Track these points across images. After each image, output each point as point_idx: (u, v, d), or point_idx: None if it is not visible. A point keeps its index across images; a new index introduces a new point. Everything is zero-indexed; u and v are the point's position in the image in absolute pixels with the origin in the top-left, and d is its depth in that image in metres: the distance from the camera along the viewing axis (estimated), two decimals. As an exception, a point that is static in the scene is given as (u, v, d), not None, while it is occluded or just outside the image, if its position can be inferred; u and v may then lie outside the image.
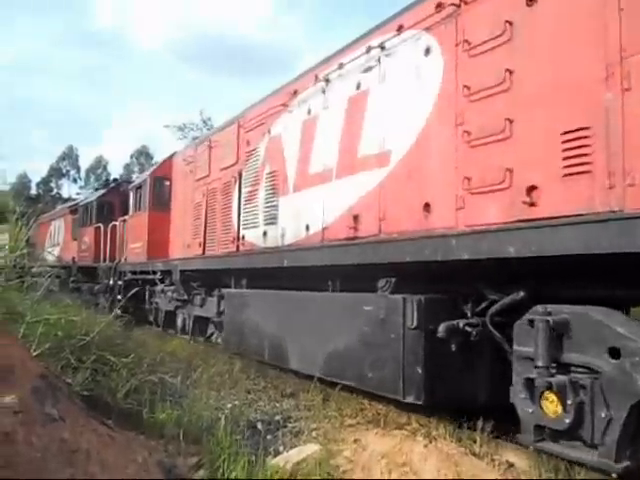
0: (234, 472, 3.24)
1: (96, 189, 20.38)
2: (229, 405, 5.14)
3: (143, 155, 62.15)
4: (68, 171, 73.79)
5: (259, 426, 4.62)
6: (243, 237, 7.85)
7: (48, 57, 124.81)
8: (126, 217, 13.48)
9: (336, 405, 5.22)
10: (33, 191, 65.29)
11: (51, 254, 19.61)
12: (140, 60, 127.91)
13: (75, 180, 73.23)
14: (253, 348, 6.98)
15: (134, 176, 19.23)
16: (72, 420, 2.94)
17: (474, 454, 3.81)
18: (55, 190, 68.92)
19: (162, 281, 10.80)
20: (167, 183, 11.63)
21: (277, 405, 5.44)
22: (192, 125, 36.17)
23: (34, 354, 3.58)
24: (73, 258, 17.81)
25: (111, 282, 13.52)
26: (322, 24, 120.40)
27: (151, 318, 11.82)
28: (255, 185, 7.69)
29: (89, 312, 7.30)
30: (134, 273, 12.34)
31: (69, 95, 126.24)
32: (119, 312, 11.47)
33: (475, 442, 4.02)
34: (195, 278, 9.40)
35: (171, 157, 11.95)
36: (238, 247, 7.98)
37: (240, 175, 8.15)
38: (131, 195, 13.14)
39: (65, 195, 56.73)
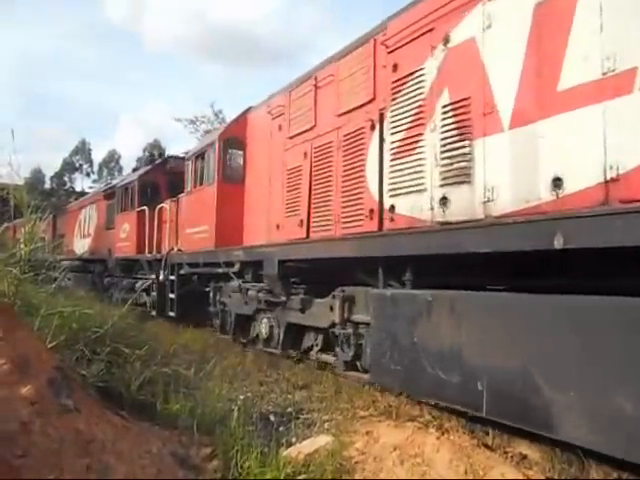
0: (247, 462, 3.26)
1: (134, 170, 16.90)
2: (242, 397, 5.16)
3: (155, 148, 62.41)
4: (81, 165, 74.36)
5: (272, 418, 4.65)
6: (392, 208, 5.29)
7: (59, 52, 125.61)
8: (180, 196, 10.93)
9: (348, 397, 5.24)
10: (47, 185, 65.83)
11: (66, 246, 18.43)
12: (151, 54, 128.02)
13: (88, 174, 73.76)
14: (448, 389, 4.30)
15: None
16: (87, 411, 2.97)
17: (486, 446, 3.82)
18: (69, 184, 69.49)
19: (240, 275, 8.18)
20: (239, 150, 9.16)
21: (289, 397, 5.46)
22: (204, 118, 36.17)
23: (49, 346, 3.62)
24: (109, 250, 15.15)
25: (161, 277, 10.97)
26: (335, 16, 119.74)
27: (216, 323, 9.39)
28: (415, 128, 5.11)
29: (103, 305, 7.38)
30: (193, 265, 9.74)
31: (81, 89, 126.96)
32: (172, 314, 10.29)
33: (488, 434, 4.03)
34: (297, 272, 6.94)
35: (245, 113, 9.30)
36: (381, 224, 5.52)
37: (382, 117, 5.65)
38: (189, 167, 10.36)
39: (78, 189, 57.25)
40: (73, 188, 62.87)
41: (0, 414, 2.43)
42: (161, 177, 13.64)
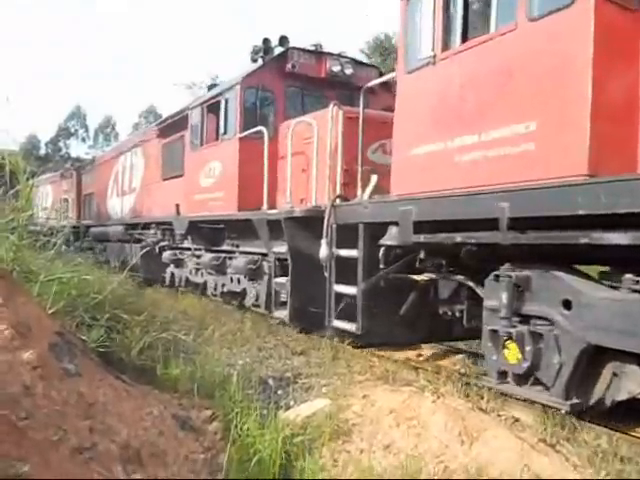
0: (247, 424, 3.34)
1: (209, 88, 10.71)
2: (241, 362, 5.25)
3: (152, 114, 61.61)
4: (77, 130, 73.38)
5: (270, 382, 4.73)
6: None
7: (53, 18, 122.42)
8: (369, 85, 6.11)
9: (346, 362, 5.32)
10: (42, 151, 65.19)
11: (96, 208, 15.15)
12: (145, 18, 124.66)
13: (84, 139, 72.83)
14: None
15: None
16: (89, 375, 3.02)
17: (481, 409, 3.89)
18: (64, 150, 68.78)
19: None
20: None
21: (288, 362, 5.53)
22: (201, 83, 35.65)
23: (49, 312, 3.65)
24: (177, 207, 9.77)
25: (322, 253, 5.85)
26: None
27: (516, 367, 3.88)
28: None
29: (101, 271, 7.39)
30: (448, 227, 4.37)
31: (73, 51, 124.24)
32: (345, 327, 5.50)
33: (482, 398, 4.10)
34: None
35: None
36: None
37: None
38: (420, 6, 4.69)
39: (74, 155, 56.67)
40: (69, 154, 62.26)
41: (3, 378, 2.47)
42: (278, 83, 8.05)
